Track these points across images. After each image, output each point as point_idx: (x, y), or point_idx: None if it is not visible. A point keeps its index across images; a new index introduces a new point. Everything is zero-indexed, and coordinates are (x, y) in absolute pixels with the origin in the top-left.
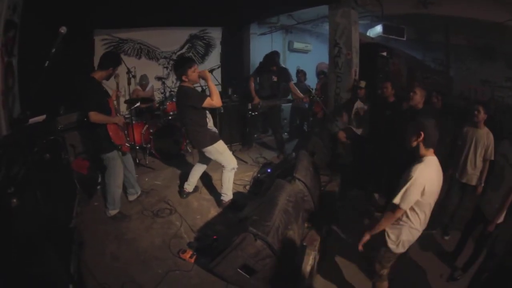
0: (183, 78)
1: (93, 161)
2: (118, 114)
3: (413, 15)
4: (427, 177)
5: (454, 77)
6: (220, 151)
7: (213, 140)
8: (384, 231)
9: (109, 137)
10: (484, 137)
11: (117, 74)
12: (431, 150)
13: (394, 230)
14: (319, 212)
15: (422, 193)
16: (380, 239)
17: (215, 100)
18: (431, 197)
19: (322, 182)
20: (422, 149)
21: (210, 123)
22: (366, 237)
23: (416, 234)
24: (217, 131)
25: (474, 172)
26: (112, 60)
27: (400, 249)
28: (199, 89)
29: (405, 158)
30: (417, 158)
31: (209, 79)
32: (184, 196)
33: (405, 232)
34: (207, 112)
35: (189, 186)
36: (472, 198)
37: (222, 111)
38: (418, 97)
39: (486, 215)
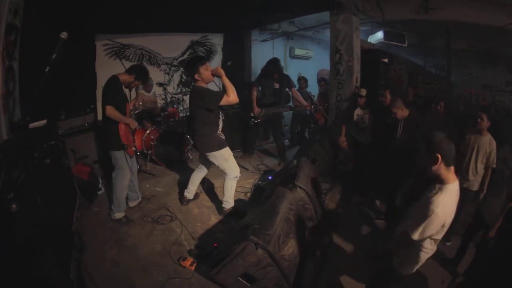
0: (196, 77)
1: (94, 166)
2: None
3: (414, 21)
4: (447, 211)
5: (455, 82)
6: (226, 157)
7: (220, 146)
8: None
9: (118, 135)
10: (487, 145)
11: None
12: (452, 169)
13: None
14: (320, 219)
15: (442, 227)
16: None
17: (231, 96)
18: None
19: (323, 189)
20: (444, 172)
21: (219, 129)
22: None
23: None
24: (224, 138)
25: (475, 178)
26: (138, 70)
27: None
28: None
29: (406, 165)
30: (438, 182)
31: (223, 75)
32: (185, 203)
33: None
34: (221, 116)
35: (189, 193)
36: (472, 204)
37: (223, 118)
38: (401, 112)
39: (487, 220)
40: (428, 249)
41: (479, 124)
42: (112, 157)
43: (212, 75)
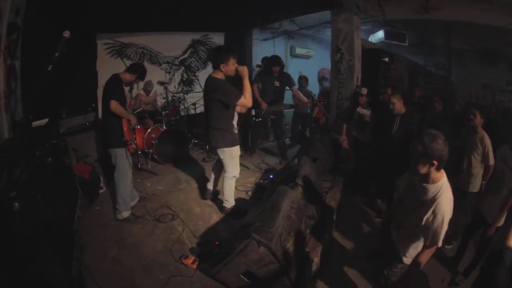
0: (221, 67)
1: (95, 165)
2: None
3: (414, 20)
4: (451, 205)
5: (455, 81)
6: (233, 155)
7: (233, 143)
8: (396, 249)
9: (121, 131)
10: (478, 142)
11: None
12: (442, 170)
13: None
14: (321, 218)
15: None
16: (394, 256)
17: (248, 99)
18: None
19: (324, 188)
20: (434, 174)
21: (235, 126)
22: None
23: None
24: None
25: (471, 177)
26: (140, 69)
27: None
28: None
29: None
30: (426, 182)
31: (246, 77)
32: (206, 197)
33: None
34: (236, 113)
35: (210, 185)
36: (470, 204)
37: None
38: (398, 104)
39: (487, 219)
40: None
41: (471, 120)
42: (112, 156)
43: (235, 71)
